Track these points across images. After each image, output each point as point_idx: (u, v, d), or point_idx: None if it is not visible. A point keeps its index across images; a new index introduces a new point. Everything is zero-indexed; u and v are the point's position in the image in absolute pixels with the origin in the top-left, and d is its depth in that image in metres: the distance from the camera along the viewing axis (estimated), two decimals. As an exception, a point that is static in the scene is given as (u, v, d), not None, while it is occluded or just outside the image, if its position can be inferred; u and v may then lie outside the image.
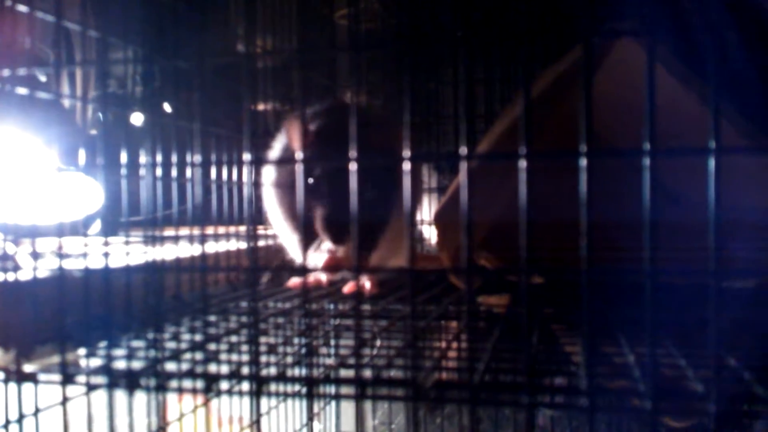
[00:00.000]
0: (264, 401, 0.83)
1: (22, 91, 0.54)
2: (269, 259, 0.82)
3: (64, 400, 0.44)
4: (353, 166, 0.34)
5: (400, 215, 0.68)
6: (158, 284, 0.40)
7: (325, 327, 0.52)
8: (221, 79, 0.86)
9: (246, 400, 0.82)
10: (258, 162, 0.62)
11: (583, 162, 0.32)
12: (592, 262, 0.33)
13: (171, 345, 0.47)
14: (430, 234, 1.06)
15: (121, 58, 0.58)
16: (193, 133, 0.71)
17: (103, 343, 0.48)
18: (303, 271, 0.36)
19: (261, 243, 0.82)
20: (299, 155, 0.36)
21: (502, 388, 0.33)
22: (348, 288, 0.69)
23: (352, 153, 0.34)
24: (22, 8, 0.50)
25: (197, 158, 0.37)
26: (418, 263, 0.90)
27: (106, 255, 0.42)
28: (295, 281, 0.73)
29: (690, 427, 0.62)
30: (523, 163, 0.33)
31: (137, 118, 0.92)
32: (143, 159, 0.57)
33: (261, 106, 0.89)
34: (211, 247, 0.74)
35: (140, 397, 0.44)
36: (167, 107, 0.86)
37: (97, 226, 0.87)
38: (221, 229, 0.77)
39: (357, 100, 0.63)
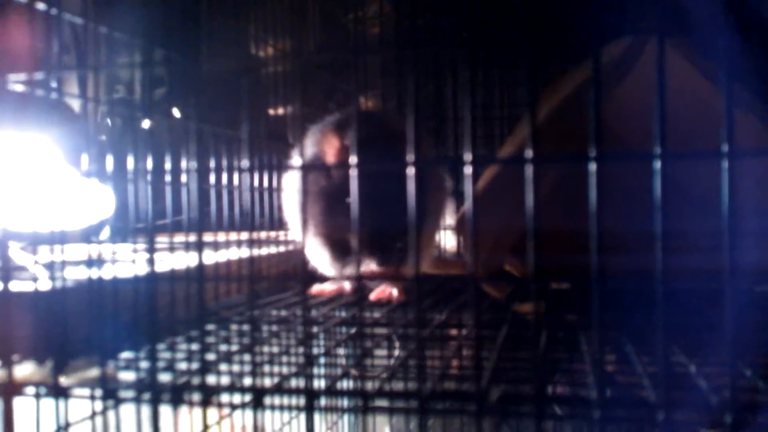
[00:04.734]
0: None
1: (40, 93, 0.53)
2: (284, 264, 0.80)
3: (94, 415, 0.42)
4: (411, 171, 0.33)
5: (430, 220, 0.66)
6: (200, 293, 0.38)
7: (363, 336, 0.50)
8: (238, 82, 0.84)
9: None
10: (306, 168, 0.60)
11: (658, 165, 0.31)
12: (665, 270, 0.31)
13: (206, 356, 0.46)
14: (447, 240, 1.04)
15: (140, 61, 0.56)
16: (219, 136, 0.69)
17: (130, 354, 0.46)
18: (358, 278, 0.35)
19: (282, 249, 0.81)
20: (353, 160, 0.34)
21: (571, 402, 0.32)
22: (375, 295, 0.68)
23: (410, 156, 0.33)
24: (43, 8, 0.48)
25: (245, 163, 0.35)
26: (438, 269, 0.89)
27: (146, 262, 0.40)
28: (318, 288, 0.71)
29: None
30: (593, 166, 0.31)
31: (147, 124, 0.90)
32: (167, 165, 0.56)
33: (281, 111, 0.88)
34: (234, 254, 0.72)
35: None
36: (176, 112, 0.84)
37: (106, 232, 0.85)
38: (244, 235, 0.75)
39: (394, 104, 0.61)
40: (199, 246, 0.36)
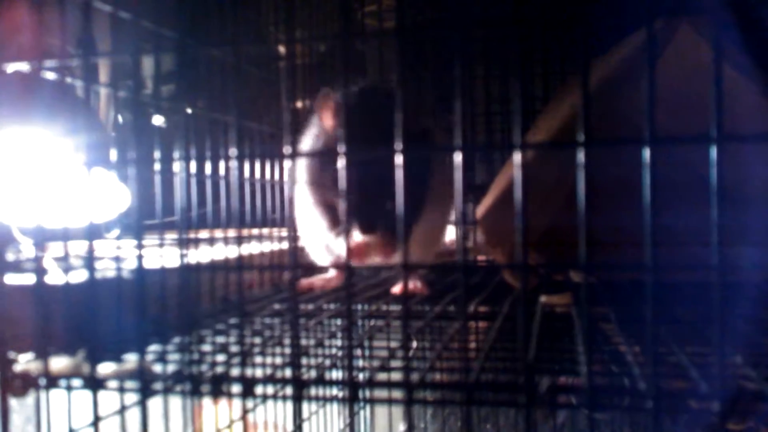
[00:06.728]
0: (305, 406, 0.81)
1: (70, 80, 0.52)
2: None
3: (124, 408, 0.41)
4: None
5: (433, 206, 0.64)
6: (240, 283, 0.38)
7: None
8: (259, 74, 0.83)
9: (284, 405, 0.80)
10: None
11: (714, 152, 0.30)
12: (723, 263, 0.30)
13: (235, 349, 0.45)
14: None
15: (176, 47, 0.55)
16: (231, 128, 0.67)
17: (159, 348, 0.45)
18: (408, 269, 0.34)
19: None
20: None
21: (623, 393, 0.31)
22: (398, 289, 0.67)
23: (458, 142, 0.32)
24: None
25: (288, 149, 0.35)
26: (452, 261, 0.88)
27: (178, 255, 0.40)
28: (308, 282, 0.70)
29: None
30: (647, 152, 0.30)
31: (158, 119, 0.89)
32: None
33: (299, 104, 0.87)
34: (257, 248, 0.72)
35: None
36: (189, 109, 0.83)
37: (117, 228, 0.84)
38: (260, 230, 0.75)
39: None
40: (239, 239, 0.36)
